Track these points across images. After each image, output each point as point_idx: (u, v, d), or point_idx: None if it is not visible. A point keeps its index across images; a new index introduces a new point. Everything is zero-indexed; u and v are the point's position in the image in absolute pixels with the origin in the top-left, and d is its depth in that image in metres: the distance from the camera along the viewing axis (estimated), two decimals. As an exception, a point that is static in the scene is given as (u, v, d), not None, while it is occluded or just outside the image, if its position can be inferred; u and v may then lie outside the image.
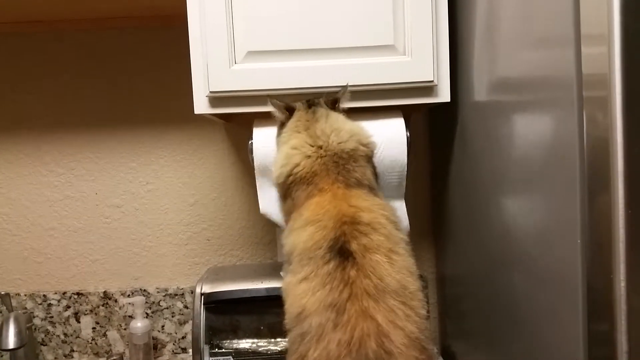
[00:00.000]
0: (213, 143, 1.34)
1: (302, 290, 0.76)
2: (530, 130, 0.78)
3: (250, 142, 1.07)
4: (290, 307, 0.77)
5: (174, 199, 1.35)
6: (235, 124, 1.33)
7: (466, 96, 1.04)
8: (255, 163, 1.05)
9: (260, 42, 1.00)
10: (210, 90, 1.00)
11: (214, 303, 1.08)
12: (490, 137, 0.93)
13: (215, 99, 1.02)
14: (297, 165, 0.87)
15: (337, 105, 0.95)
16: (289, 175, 0.88)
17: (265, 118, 1.06)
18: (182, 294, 1.34)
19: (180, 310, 1.34)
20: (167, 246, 1.35)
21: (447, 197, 1.20)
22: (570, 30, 0.65)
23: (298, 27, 1.00)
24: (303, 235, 0.81)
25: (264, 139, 1.04)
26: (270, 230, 1.35)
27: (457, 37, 1.05)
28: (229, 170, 1.35)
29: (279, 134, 0.96)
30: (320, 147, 0.87)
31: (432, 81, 1.02)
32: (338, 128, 0.90)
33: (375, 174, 0.93)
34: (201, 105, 1.02)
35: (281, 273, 0.91)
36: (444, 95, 1.04)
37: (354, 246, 0.77)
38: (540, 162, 0.74)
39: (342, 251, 0.77)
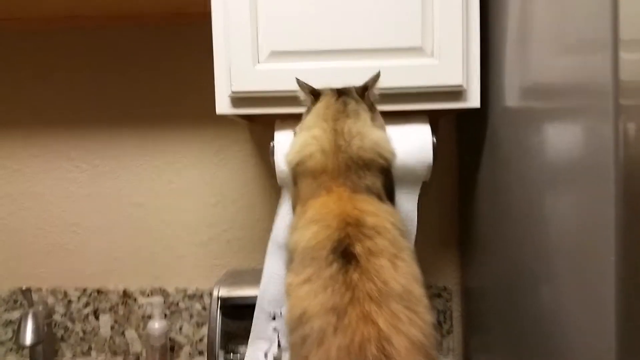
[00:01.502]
0: (236, 144, 1.33)
1: (305, 292, 0.74)
2: (564, 138, 0.73)
3: (271, 144, 1.05)
4: (292, 308, 0.74)
5: (196, 199, 1.34)
6: (258, 125, 1.32)
7: (497, 102, 0.99)
8: (276, 166, 1.03)
9: (284, 42, 0.98)
10: (233, 90, 0.98)
11: (230, 307, 1.06)
12: (521, 145, 0.89)
13: (238, 99, 1.00)
14: (310, 156, 0.85)
15: (366, 94, 0.92)
16: (298, 164, 0.86)
17: (287, 120, 1.04)
18: (201, 296, 1.33)
19: (198, 312, 1.33)
20: (188, 246, 1.34)
21: (474, 206, 1.16)
22: (608, 34, 0.60)
23: (323, 28, 0.98)
24: (306, 234, 0.79)
25: (286, 142, 1.02)
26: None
27: (487, 41, 1.01)
28: (251, 172, 1.33)
29: (303, 117, 0.94)
30: (340, 147, 0.85)
31: (460, 85, 0.98)
32: (363, 133, 0.87)
33: (389, 185, 0.89)
34: (223, 106, 1.01)
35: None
36: (473, 100, 1.00)
37: (358, 249, 0.74)
38: (573, 172, 0.70)
39: (345, 253, 0.74)
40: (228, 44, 0.98)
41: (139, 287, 1.34)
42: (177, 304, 1.33)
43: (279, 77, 0.98)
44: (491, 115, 1.02)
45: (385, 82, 0.97)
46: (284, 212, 1.05)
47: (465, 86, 0.98)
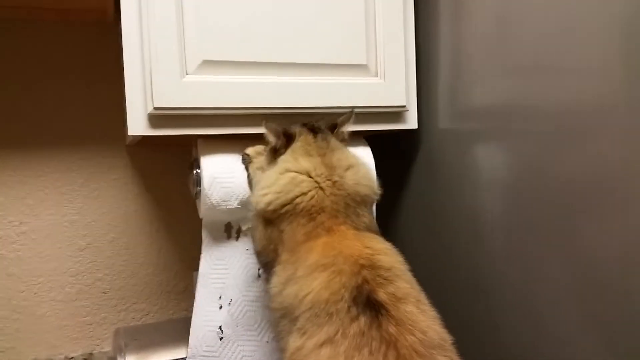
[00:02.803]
0: (111, 170, 1.08)
1: (327, 357, 0.60)
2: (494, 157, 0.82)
3: (194, 172, 0.87)
4: None
5: (58, 243, 1.04)
6: (143, 147, 1.09)
7: (430, 123, 0.97)
8: (203, 200, 0.85)
9: (219, 51, 0.82)
10: (155, 106, 0.77)
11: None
12: (454, 164, 0.91)
13: (159, 118, 0.80)
14: (304, 194, 0.71)
15: (336, 131, 0.81)
16: (285, 205, 0.71)
17: (212, 140, 0.87)
18: (71, 365, 1.04)
19: (69, 387, 1.04)
20: (49, 304, 1.04)
21: (400, 225, 1.11)
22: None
23: (263, 37, 0.84)
24: (313, 284, 0.65)
25: (219, 169, 0.85)
26: (184, 275, 1.13)
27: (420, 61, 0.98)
28: (131, 204, 1.09)
29: (270, 159, 0.78)
30: (335, 183, 0.72)
31: (404, 106, 0.93)
32: (355, 166, 0.76)
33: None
34: (138, 126, 0.79)
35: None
36: (411, 121, 0.97)
37: (382, 295, 0.63)
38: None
39: (370, 303, 0.63)
40: (146, 51, 0.78)
41: (-25, 367, 1.00)
42: (36, 380, 1.02)
43: (212, 92, 0.81)
44: (425, 136, 0.99)
45: (329, 101, 0.88)
46: (214, 251, 0.88)
47: (408, 107, 0.94)
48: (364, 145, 0.96)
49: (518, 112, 0.78)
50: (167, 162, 1.10)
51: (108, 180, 1.07)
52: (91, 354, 1.06)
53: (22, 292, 1.02)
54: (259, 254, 0.78)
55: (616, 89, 0.64)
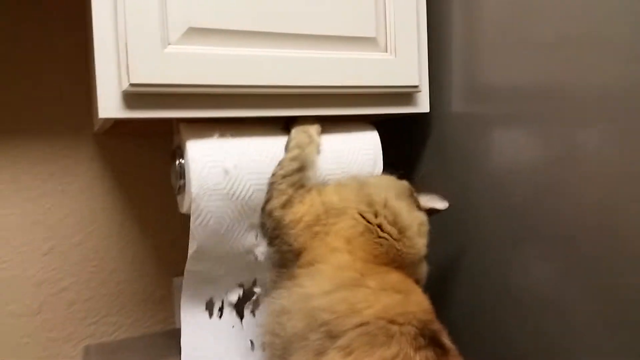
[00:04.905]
0: (78, 163, 0.94)
1: None
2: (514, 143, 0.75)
3: (177, 162, 0.74)
4: None
5: (17, 247, 0.90)
6: (113, 136, 0.95)
7: (442, 106, 0.87)
8: (188, 193, 0.72)
9: (208, 16, 0.69)
10: (131, 82, 0.64)
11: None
12: (467, 150, 0.82)
13: (136, 97, 0.66)
14: None
15: None
16: None
17: (197, 123, 0.74)
18: (32, 389, 0.90)
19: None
20: (7, 319, 0.89)
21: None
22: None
23: (259, 2, 0.72)
24: (382, 298, 0.59)
25: (209, 156, 0.72)
26: (163, 282, 1.00)
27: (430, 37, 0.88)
28: (101, 201, 0.95)
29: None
30: None
31: (417, 86, 0.82)
32: None
33: None
34: (110, 107, 0.66)
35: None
36: (423, 104, 0.86)
37: (447, 341, 0.57)
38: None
39: (436, 340, 0.55)
40: (120, 16, 0.64)
41: None
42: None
43: (198, 65, 0.68)
44: (437, 121, 0.88)
45: (334, 79, 0.76)
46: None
47: (420, 88, 0.83)
48: (371, 129, 0.84)
49: (540, 93, 0.70)
50: (141, 153, 0.96)
51: (74, 175, 0.93)
52: (57, 374, 0.92)
53: (-27, 306, 0.88)
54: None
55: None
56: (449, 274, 0.86)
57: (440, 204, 0.78)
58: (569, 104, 0.65)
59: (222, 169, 0.72)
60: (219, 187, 0.72)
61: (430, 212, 0.77)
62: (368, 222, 0.68)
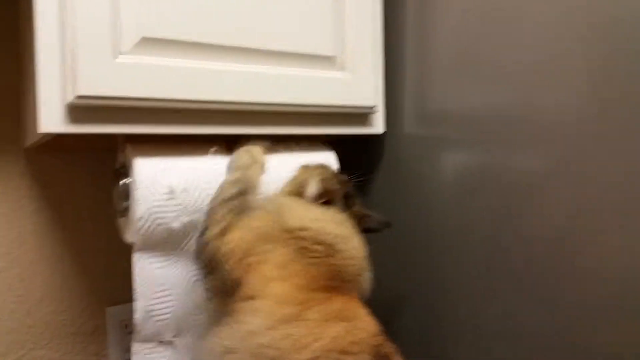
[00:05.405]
0: (6, 180, 0.85)
1: None
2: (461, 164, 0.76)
3: (122, 182, 0.68)
4: None
5: None
6: (46, 151, 0.87)
7: (396, 128, 0.86)
8: (135, 218, 0.66)
9: (163, 26, 0.65)
10: (78, 94, 0.59)
11: None
12: (419, 170, 0.83)
13: (83, 110, 0.61)
14: None
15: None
16: None
17: (146, 141, 0.69)
18: None
19: None
20: None
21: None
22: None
23: (216, 14, 0.68)
24: (327, 331, 0.56)
25: (157, 176, 0.67)
26: (94, 313, 0.91)
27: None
28: (28, 223, 0.86)
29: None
30: None
31: (373, 107, 0.82)
32: None
33: None
34: (53, 120, 0.60)
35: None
36: (378, 125, 0.85)
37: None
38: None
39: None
40: (68, 21, 0.59)
41: None
42: None
43: (151, 77, 0.64)
44: (390, 142, 0.88)
45: (289, 96, 0.74)
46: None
47: (376, 108, 0.82)
48: (326, 149, 0.83)
49: (488, 117, 0.72)
50: (77, 171, 0.89)
51: (1, 193, 0.85)
52: (-27, 420, 0.82)
53: None
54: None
55: (601, 97, 0.59)
56: (400, 292, 0.86)
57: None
58: (515, 128, 0.68)
59: (170, 190, 0.67)
60: (166, 209, 0.67)
61: (367, 224, 0.75)
62: (295, 246, 0.64)
